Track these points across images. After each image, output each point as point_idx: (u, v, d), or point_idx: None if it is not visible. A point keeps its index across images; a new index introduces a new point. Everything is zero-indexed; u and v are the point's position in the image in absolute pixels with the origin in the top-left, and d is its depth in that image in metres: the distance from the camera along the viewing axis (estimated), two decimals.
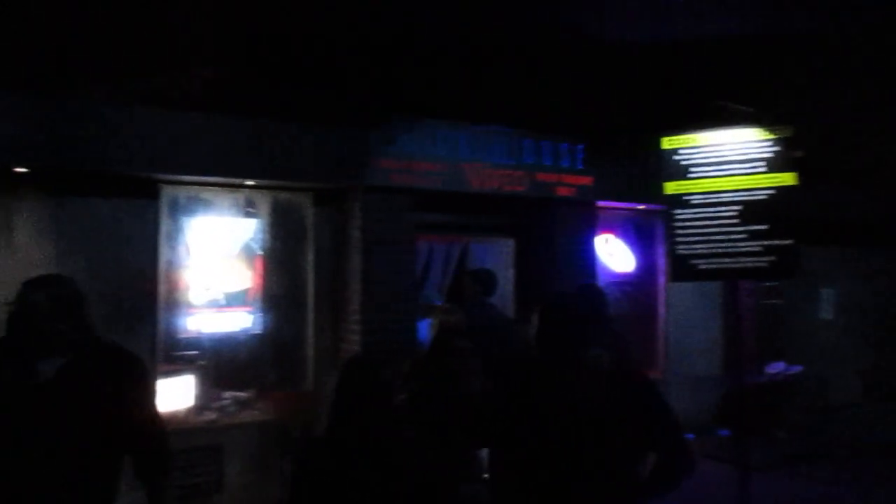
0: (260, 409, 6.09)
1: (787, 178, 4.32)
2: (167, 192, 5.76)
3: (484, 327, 5.04)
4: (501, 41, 6.41)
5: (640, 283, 8.55)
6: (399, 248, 6.22)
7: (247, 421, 5.97)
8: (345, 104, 6.13)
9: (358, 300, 6.05)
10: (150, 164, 5.32)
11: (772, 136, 4.35)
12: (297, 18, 5.85)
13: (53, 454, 2.52)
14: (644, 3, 5.73)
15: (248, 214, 6.16)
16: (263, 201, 6.22)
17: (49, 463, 2.52)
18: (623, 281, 8.41)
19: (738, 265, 4.32)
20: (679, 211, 4.51)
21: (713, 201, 4.42)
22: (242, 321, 6.09)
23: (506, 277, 7.65)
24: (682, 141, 4.55)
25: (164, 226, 5.73)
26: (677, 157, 4.55)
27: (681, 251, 4.48)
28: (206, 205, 5.97)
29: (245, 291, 6.13)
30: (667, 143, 4.61)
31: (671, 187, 4.56)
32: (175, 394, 5.71)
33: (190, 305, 5.86)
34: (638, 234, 8.57)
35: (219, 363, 6.00)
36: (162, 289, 5.69)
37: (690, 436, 8.38)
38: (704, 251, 4.40)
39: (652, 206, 8.14)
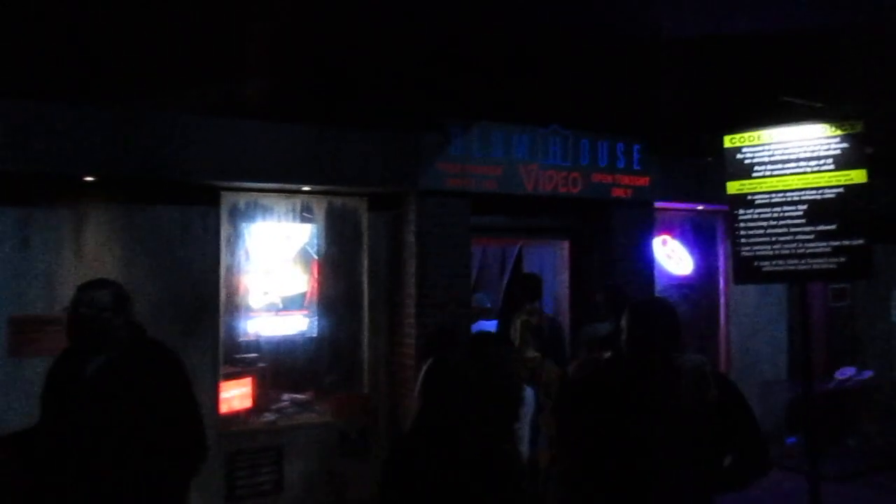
0: (318, 412, 6.17)
1: (857, 176, 4.14)
2: (227, 198, 5.89)
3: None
4: (556, 40, 6.35)
5: (699, 285, 8.34)
6: (454, 251, 6.21)
7: (305, 423, 6.05)
8: (399, 109, 6.17)
9: (413, 304, 6.07)
10: (210, 172, 5.44)
11: (840, 132, 4.17)
12: (351, 26, 5.91)
13: (92, 446, 2.70)
14: None
15: (305, 220, 6.25)
16: (319, 206, 6.30)
17: (89, 453, 2.70)
18: (682, 283, 8.22)
19: (805, 267, 4.16)
20: (742, 211, 4.37)
21: (779, 201, 4.26)
22: (300, 325, 6.18)
23: (561, 280, 7.57)
24: (745, 139, 4.41)
25: (225, 231, 5.86)
26: (740, 156, 4.41)
27: (745, 253, 4.34)
28: (264, 210, 6.08)
29: (302, 295, 6.21)
30: (729, 141, 4.48)
31: (734, 187, 4.43)
32: (236, 396, 5.83)
33: (249, 309, 5.97)
34: (697, 236, 8.37)
35: (277, 366, 6.10)
36: (223, 293, 5.82)
37: None
38: (770, 252, 4.25)
39: (711, 207, 7.94)
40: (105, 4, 5.57)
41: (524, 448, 4.04)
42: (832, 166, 4.17)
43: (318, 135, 5.78)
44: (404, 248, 6.26)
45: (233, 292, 5.92)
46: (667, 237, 8.13)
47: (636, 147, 7.09)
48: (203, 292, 5.69)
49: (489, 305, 7.10)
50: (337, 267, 6.35)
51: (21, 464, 2.72)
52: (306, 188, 6.05)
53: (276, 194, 6.09)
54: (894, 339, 9.40)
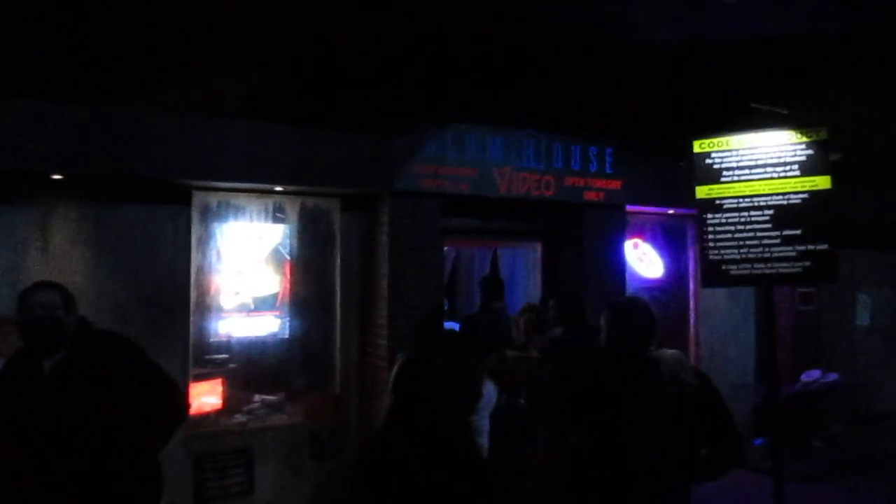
0: (289, 413, 6.13)
1: (822, 182, 4.23)
2: (199, 197, 5.83)
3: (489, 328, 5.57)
4: (529, 43, 6.38)
5: (670, 288, 8.44)
6: (427, 253, 6.22)
7: (276, 424, 6.01)
8: (372, 109, 6.15)
9: (385, 305, 6.06)
10: (182, 171, 5.39)
11: (806, 139, 4.26)
12: (324, 26, 5.89)
13: (61, 441, 2.76)
14: (673, 3, 5.67)
15: (278, 220, 6.22)
16: (292, 207, 6.26)
17: (59, 449, 2.75)
18: (652, 286, 8.31)
19: (771, 270, 4.24)
20: (711, 215, 4.43)
21: (746, 205, 4.33)
22: (271, 326, 6.14)
23: (533, 282, 7.61)
24: (714, 144, 4.48)
25: (196, 231, 5.81)
26: (709, 161, 4.48)
27: (712, 256, 4.40)
28: (236, 210, 6.03)
29: (274, 296, 6.17)
30: (698, 146, 4.54)
31: (703, 191, 4.49)
32: (206, 397, 5.77)
33: (220, 310, 5.92)
34: (668, 239, 8.47)
35: (248, 367, 6.05)
36: (193, 293, 5.76)
37: None
38: (737, 256, 4.32)
39: (682, 211, 8.05)
40: (76, 1, 5.49)
41: (483, 441, 4.09)
42: (798, 172, 4.25)
43: (291, 135, 5.75)
44: (377, 249, 6.26)
45: (204, 293, 5.86)
46: (638, 240, 8.22)
47: (609, 151, 7.16)
48: (173, 293, 5.64)
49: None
50: (309, 268, 6.32)
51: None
52: (279, 188, 6.01)
53: (248, 194, 6.05)
54: (859, 343, 9.61)
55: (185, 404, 3.28)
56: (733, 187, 4.38)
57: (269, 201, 6.17)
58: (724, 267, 4.36)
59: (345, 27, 5.96)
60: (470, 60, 6.43)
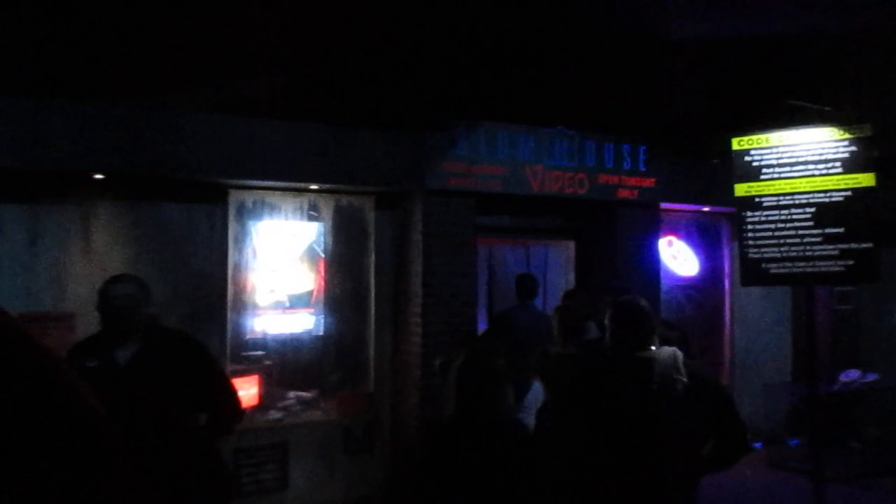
0: (323, 409, 6.19)
1: (865, 179, 4.15)
2: (235, 196, 5.91)
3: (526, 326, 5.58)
4: (562, 41, 6.36)
5: (704, 287, 8.36)
6: (459, 250, 6.23)
7: (311, 420, 6.07)
8: (405, 108, 6.18)
9: (419, 303, 6.09)
10: (218, 170, 5.46)
11: (849, 136, 4.18)
12: (359, 26, 5.93)
13: (133, 432, 2.75)
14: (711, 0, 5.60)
15: (312, 218, 6.27)
16: (326, 205, 6.32)
17: (133, 436, 2.75)
18: (687, 284, 8.24)
19: (813, 269, 4.17)
20: (750, 213, 4.38)
21: (786, 203, 4.27)
22: (306, 323, 6.20)
23: (566, 280, 7.58)
24: (753, 141, 4.42)
25: (232, 229, 5.88)
26: (748, 158, 4.42)
27: (752, 255, 4.35)
28: (271, 209, 6.10)
29: (308, 294, 6.23)
30: (737, 143, 4.48)
31: (742, 189, 4.43)
32: (242, 393, 5.85)
33: (256, 307, 5.99)
34: (702, 237, 8.38)
35: (283, 364, 6.12)
36: (230, 291, 5.84)
37: (758, 444, 8.14)
38: (777, 255, 4.26)
39: (717, 208, 7.96)
40: (115, 3, 5.59)
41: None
42: (840, 170, 4.18)
43: (325, 134, 5.80)
44: (410, 247, 6.28)
45: (240, 290, 5.94)
46: (672, 238, 8.14)
47: (642, 148, 7.10)
48: (210, 290, 5.72)
49: None
50: (343, 265, 6.37)
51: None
52: (313, 187, 6.07)
53: (283, 192, 6.11)
54: None
55: (240, 403, 3.38)
56: (773, 185, 4.32)
57: (304, 199, 6.23)
58: (763, 265, 4.30)
59: (378, 25, 5.99)
60: (502, 58, 6.42)
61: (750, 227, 4.35)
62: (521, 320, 5.79)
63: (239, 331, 5.92)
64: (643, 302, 3.24)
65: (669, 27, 6.41)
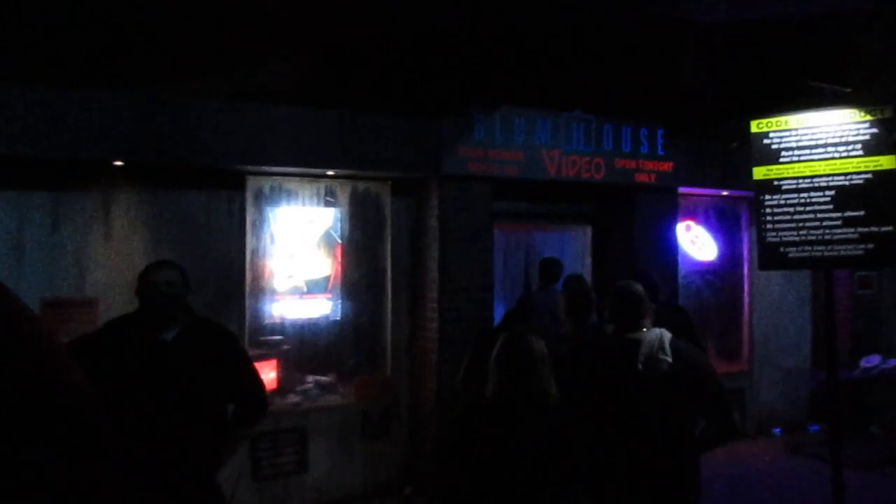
0: (341, 394, 6.25)
1: (887, 162, 4.09)
2: (252, 182, 5.95)
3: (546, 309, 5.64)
4: (579, 24, 6.30)
5: (723, 271, 8.30)
6: (476, 236, 6.24)
7: (329, 405, 6.13)
8: (421, 94, 6.17)
9: (435, 288, 6.11)
10: (235, 156, 5.50)
11: (869, 118, 4.12)
12: (375, 11, 5.91)
13: (176, 406, 2.91)
14: None
15: (329, 204, 6.30)
16: (343, 191, 6.34)
17: (173, 413, 2.89)
18: (705, 269, 8.18)
19: (832, 253, 4.12)
20: (768, 197, 4.33)
21: (805, 186, 4.22)
22: (323, 308, 6.25)
23: (583, 265, 7.57)
24: (772, 124, 4.37)
25: (250, 215, 5.93)
26: (767, 141, 4.37)
27: (770, 239, 4.31)
28: (288, 195, 6.14)
29: (326, 279, 6.28)
30: (756, 126, 4.43)
31: (760, 172, 4.38)
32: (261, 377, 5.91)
33: (274, 292, 6.05)
34: (721, 221, 8.32)
35: (302, 349, 6.18)
36: (248, 276, 5.89)
37: (777, 430, 8.11)
38: (796, 238, 4.22)
39: (736, 192, 7.89)
40: None
41: None
42: (861, 152, 4.11)
43: (341, 120, 5.81)
44: (427, 233, 6.29)
45: (258, 276, 5.99)
46: (690, 223, 8.09)
47: (660, 132, 7.05)
48: (229, 276, 5.78)
49: None
50: (360, 251, 6.40)
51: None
52: (330, 172, 6.09)
53: (300, 179, 6.14)
54: None
55: (266, 397, 3.39)
56: (792, 168, 4.26)
57: (321, 185, 6.26)
58: (782, 249, 4.26)
59: (394, 10, 5.98)
60: (518, 42, 6.38)
61: (768, 210, 4.31)
62: (541, 303, 5.81)
63: (257, 316, 5.98)
64: (637, 287, 3.34)
65: (688, 8, 6.33)
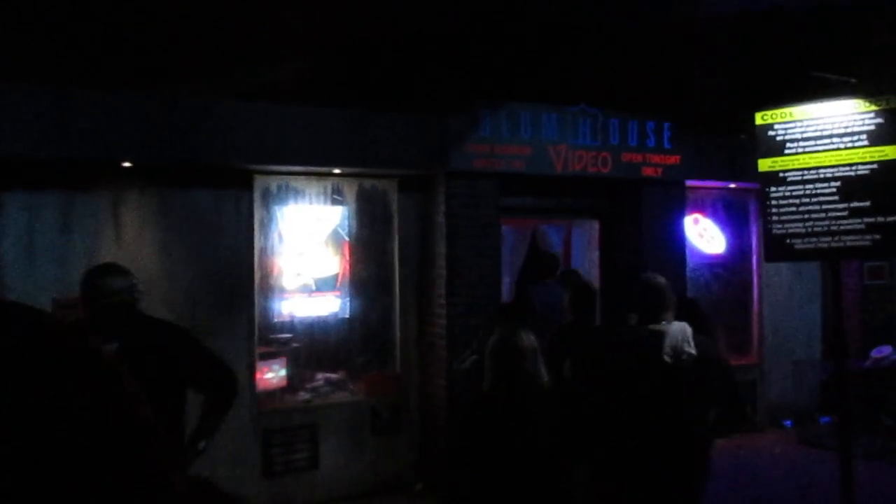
0: (351, 391, 6.29)
1: (892, 152, 4.07)
2: (260, 181, 5.99)
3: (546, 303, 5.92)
4: (582, 18, 6.30)
5: (732, 264, 8.28)
6: (483, 231, 6.25)
7: (339, 401, 6.17)
8: (427, 90, 6.19)
9: (443, 284, 6.13)
10: (243, 155, 5.54)
11: (875, 108, 4.10)
12: (380, 8, 5.93)
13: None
14: None
15: (336, 202, 6.33)
16: (350, 189, 6.37)
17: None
18: (714, 262, 8.17)
19: (838, 244, 4.12)
20: (774, 189, 4.33)
21: (811, 178, 4.21)
22: (332, 305, 6.28)
23: (590, 260, 7.57)
24: (777, 115, 4.36)
25: (258, 214, 5.97)
26: (772, 133, 4.36)
27: (776, 230, 4.30)
28: (296, 193, 6.18)
29: (334, 277, 6.31)
30: (760, 118, 4.42)
31: (766, 164, 4.38)
32: (272, 375, 5.97)
33: (283, 290, 6.09)
34: (729, 214, 8.29)
35: (311, 346, 6.22)
36: (257, 275, 5.94)
37: (788, 422, 8.09)
38: (802, 230, 4.21)
39: (744, 185, 7.86)
40: None
41: None
42: (866, 142, 4.10)
43: (347, 118, 5.84)
44: (434, 229, 6.32)
45: (267, 274, 6.04)
46: (699, 216, 8.07)
47: (666, 125, 7.03)
48: (238, 274, 5.82)
49: None
50: (368, 248, 6.43)
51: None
52: (337, 171, 6.12)
53: (307, 177, 6.18)
54: None
55: (235, 378, 3.38)
56: (798, 159, 4.26)
57: (328, 183, 6.29)
58: (788, 241, 4.26)
59: (398, 8, 5.99)
60: (523, 38, 6.38)
61: (774, 202, 4.30)
62: (540, 297, 5.97)
63: (267, 314, 6.02)
64: (661, 279, 3.44)
65: (693, 1, 6.32)
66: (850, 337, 7.94)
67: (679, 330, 3.24)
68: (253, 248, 5.92)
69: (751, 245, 8.34)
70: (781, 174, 4.32)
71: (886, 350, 7.91)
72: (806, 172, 4.22)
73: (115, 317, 2.94)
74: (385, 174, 6.35)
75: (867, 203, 4.05)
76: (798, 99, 4.37)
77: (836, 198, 4.13)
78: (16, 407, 0.61)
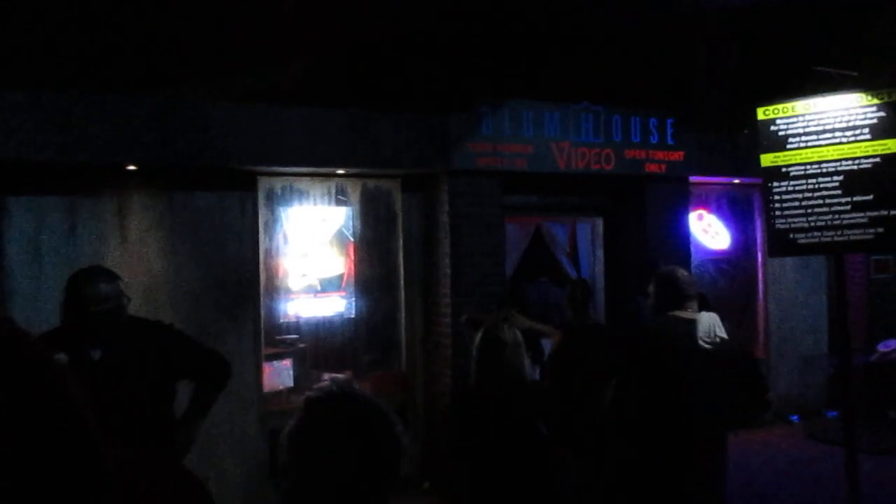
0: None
1: (894, 145, 4.06)
2: (264, 183, 6.01)
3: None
4: (584, 14, 6.30)
5: (736, 259, 8.27)
6: (487, 230, 6.26)
7: None
8: (428, 90, 6.20)
9: (448, 283, 6.14)
10: (247, 157, 5.56)
11: (877, 101, 4.09)
12: (379, 8, 5.95)
13: (116, 416, 2.83)
14: None
15: (340, 202, 6.35)
16: (354, 189, 6.39)
17: (116, 422, 2.83)
18: (719, 258, 8.16)
19: (842, 238, 4.11)
20: (777, 183, 4.32)
21: (814, 172, 4.20)
22: (337, 306, 6.30)
23: (595, 257, 7.57)
24: (779, 110, 4.35)
25: (262, 216, 5.99)
26: (774, 128, 4.35)
27: (780, 225, 4.30)
28: (300, 194, 6.19)
29: (339, 277, 6.33)
30: (762, 113, 4.41)
31: (768, 159, 4.37)
32: (278, 375, 5.99)
33: (289, 291, 6.11)
34: (734, 209, 8.28)
35: (317, 346, 6.25)
36: (262, 276, 5.96)
37: (796, 417, 8.08)
38: (805, 224, 4.20)
39: (748, 180, 7.84)
40: None
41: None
42: (868, 136, 4.09)
43: (350, 118, 5.86)
44: (438, 228, 6.33)
45: (272, 275, 6.06)
46: (703, 212, 8.06)
47: (669, 121, 7.02)
48: (243, 276, 5.84)
49: None
50: (372, 248, 6.45)
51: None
52: (341, 171, 6.14)
53: (311, 178, 6.19)
54: None
55: (225, 361, 3.37)
56: (800, 154, 4.25)
57: (332, 184, 6.31)
58: (791, 236, 4.25)
59: (398, 7, 6.01)
60: (524, 34, 6.39)
61: (777, 197, 4.29)
62: (535, 294, 6.22)
63: (272, 315, 6.05)
64: (682, 271, 3.67)
65: None
66: (856, 331, 7.93)
67: (708, 318, 3.42)
68: (258, 249, 5.94)
69: (756, 240, 8.33)
70: (784, 169, 4.31)
71: (893, 344, 7.89)
72: (808, 167, 4.21)
73: (103, 324, 2.89)
74: (388, 174, 6.36)
75: (870, 197, 4.04)
76: (800, 93, 4.36)
77: (838, 192, 4.12)
78: None
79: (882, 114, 4.04)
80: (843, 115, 4.15)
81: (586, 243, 7.90)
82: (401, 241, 6.49)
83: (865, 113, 4.09)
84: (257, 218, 5.94)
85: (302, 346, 6.19)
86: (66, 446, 0.71)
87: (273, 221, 6.08)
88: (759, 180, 6.99)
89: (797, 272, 8.37)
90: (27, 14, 5.33)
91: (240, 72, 5.98)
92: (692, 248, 7.49)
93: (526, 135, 6.38)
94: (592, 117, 6.68)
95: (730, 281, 8.20)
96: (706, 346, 3.36)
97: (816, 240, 4.18)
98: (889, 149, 4.02)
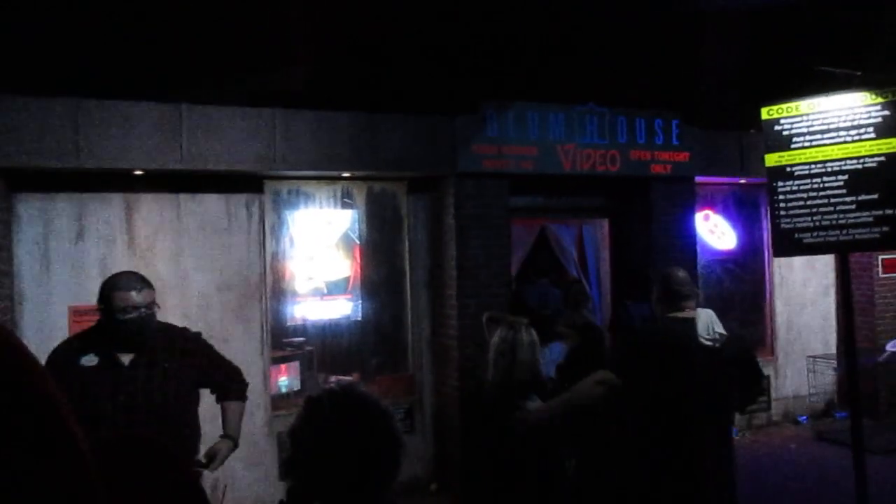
0: None
1: None
2: (270, 186, 6.04)
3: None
4: (588, 14, 6.31)
5: (743, 260, 8.25)
6: (493, 232, 6.27)
7: None
8: (433, 92, 6.22)
9: (454, 285, 6.15)
10: (253, 161, 5.59)
11: (882, 100, 4.08)
12: (384, 11, 5.97)
13: (144, 419, 2.94)
14: None
15: (346, 205, 6.38)
16: (360, 192, 6.41)
17: (143, 426, 2.92)
18: (725, 258, 8.14)
19: (847, 237, 4.10)
20: (781, 183, 4.31)
21: (818, 172, 4.19)
22: (344, 308, 6.33)
23: (601, 258, 7.57)
24: (783, 110, 4.34)
25: (269, 219, 6.02)
26: (779, 128, 4.35)
27: (785, 225, 4.29)
28: (306, 197, 6.22)
29: (346, 280, 6.36)
30: (766, 112, 4.41)
31: (773, 159, 4.36)
32: (285, 378, 6.02)
33: (295, 294, 6.14)
34: (740, 210, 8.26)
35: (324, 349, 6.27)
36: (269, 279, 5.99)
37: (804, 418, 8.04)
38: (810, 224, 4.19)
39: (754, 180, 7.82)
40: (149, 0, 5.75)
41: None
42: (873, 135, 4.08)
43: (355, 121, 5.88)
44: (444, 231, 6.35)
45: (279, 278, 6.09)
46: (709, 212, 8.05)
47: (675, 122, 7.02)
48: (250, 279, 5.88)
49: None
50: (379, 251, 6.47)
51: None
52: (346, 174, 6.16)
53: (317, 181, 6.22)
54: None
55: (243, 375, 3.52)
56: (805, 153, 4.24)
57: (337, 187, 6.33)
58: (796, 235, 4.24)
59: (403, 9, 6.03)
60: (529, 37, 6.40)
61: (782, 197, 4.28)
62: (532, 296, 6.39)
63: (279, 318, 6.07)
64: (682, 272, 3.86)
65: None
66: (864, 331, 7.89)
67: (707, 315, 3.61)
68: (265, 252, 5.97)
69: (763, 240, 8.31)
70: (789, 168, 4.30)
71: None
72: (813, 166, 4.20)
73: (133, 330, 2.96)
74: (394, 177, 6.38)
75: (875, 196, 4.02)
76: (804, 93, 4.35)
77: (843, 191, 4.11)
78: None
79: (886, 112, 4.03)
80: (847, 115, 4.14)
81: (593, 245, 7.91)
82: (407, 244, 6.51)
83: (869, 112, 4.08)
84: (264, 221, 5.97)
85: (309, 348, 6.22)
86: (42, 447, 0.70)
87: (279, 225, 6.11)
88: (764, 180, 6.99)
89: (805, 272, 8.35)
90: (34, 20, 5.38)
91: (247, 75, 6.01)
92: (699, 249, 7.48)
93: (531, 137, 6.39)
94: (597, 118, 6.68)
95: (737, 281, 8.18)
96: (707, 343, 3.48)
97: (822, 239, 4.17)
98: (893, 147, 4.01)
